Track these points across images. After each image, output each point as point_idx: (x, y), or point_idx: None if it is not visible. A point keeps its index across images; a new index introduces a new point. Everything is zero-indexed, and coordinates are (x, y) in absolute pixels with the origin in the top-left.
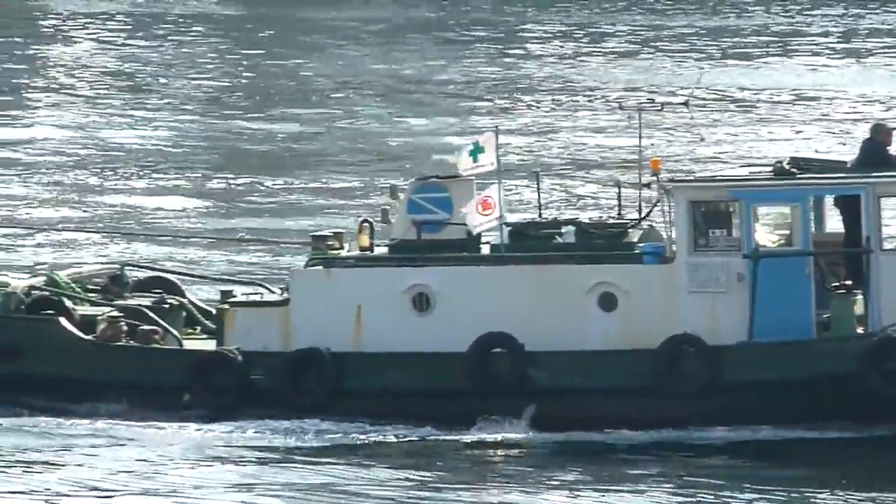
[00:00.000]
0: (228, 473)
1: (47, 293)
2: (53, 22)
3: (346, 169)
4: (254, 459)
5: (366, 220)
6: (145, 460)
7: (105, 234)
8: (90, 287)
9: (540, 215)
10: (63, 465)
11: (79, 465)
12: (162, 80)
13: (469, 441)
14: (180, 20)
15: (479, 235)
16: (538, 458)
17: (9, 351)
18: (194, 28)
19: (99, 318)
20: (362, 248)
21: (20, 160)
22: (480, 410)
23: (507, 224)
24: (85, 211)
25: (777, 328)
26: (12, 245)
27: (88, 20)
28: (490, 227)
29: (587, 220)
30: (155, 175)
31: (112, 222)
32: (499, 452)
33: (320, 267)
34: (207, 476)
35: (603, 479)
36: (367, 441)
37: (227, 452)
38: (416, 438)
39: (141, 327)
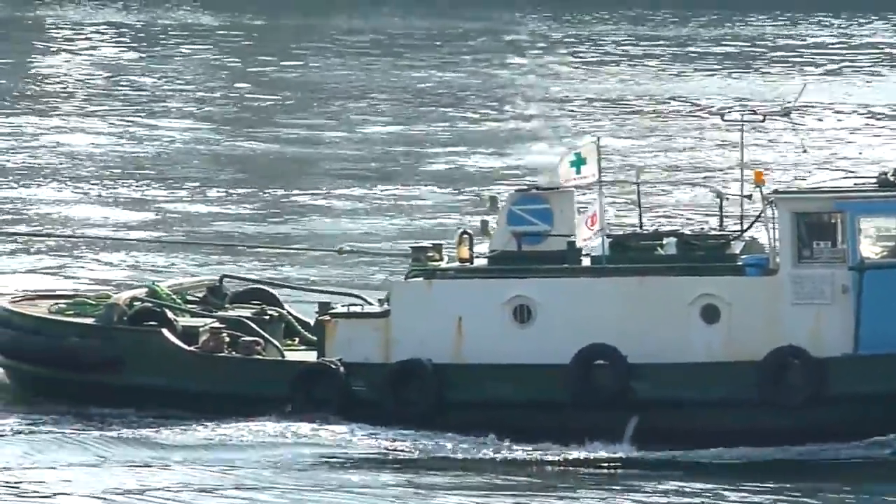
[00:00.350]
0: (325, 481)
1: (149, 304)
2: (52, 32)
3: (358, 177)
4: (352, 468)
5: (465, 232)
6: (245, 467)
7: (191, 246)
8: (190, 298)
9: (641, 226)
10: (164, 474)
11: (180, 472)
12: (171, 91)
13: (570, 453)
14: (171, 31)
15: (580, 247)
16: (641, 471)
17: (112, 362)
18: (194, 40)
19: (201, 329)
20: (462, 260)
21: (66, 170)
22: (582, 423)
23: (609, 235)
24: (140, 223)
25: (882, 340)
26: (95, 258)
27: (83, 31)
28: (595, 240)
29: (689, 232)
30: (171, 184)
31: (191, 235)
32: (601, 465)
33: (421, 278)
34: (302, 483)
35: (703, 494)
36: (467, 452)
37: (326, 461)
38: (517, 450)
39: (243, 338)
